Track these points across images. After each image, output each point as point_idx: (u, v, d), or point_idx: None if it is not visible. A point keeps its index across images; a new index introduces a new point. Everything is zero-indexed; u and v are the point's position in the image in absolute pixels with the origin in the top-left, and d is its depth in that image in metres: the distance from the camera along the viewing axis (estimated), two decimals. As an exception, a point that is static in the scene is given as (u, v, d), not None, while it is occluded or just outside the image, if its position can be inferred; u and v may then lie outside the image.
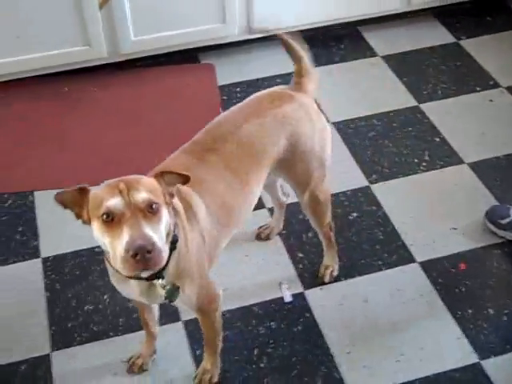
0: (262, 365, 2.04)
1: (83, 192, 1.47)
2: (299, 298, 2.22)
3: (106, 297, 2.22)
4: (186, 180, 1.52)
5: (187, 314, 2.10)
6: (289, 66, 3.09)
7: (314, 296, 2.22)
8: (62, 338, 2.11)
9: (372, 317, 2.16)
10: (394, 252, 2.35)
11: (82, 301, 2.21)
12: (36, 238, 2.40)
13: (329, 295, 2.22)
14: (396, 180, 2.61)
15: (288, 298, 2.21)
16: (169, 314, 2.13)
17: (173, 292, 1.60)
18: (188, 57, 3.18)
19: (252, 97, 1.95)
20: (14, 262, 2.33)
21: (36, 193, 2.57)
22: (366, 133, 2.82)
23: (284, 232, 2.41)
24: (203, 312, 1.82)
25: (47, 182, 2.60)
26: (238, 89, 3.05)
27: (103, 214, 1.41)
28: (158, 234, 1.43)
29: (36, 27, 2.84)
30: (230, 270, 2.28)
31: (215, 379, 1.98)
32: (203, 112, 2.89)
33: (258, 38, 3.19)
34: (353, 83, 3.08)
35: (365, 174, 2.64)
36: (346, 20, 3.27)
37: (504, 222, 2.33)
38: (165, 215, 1.47)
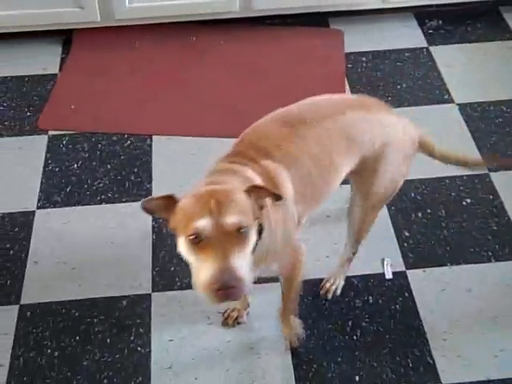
0: (354, 337, 2.02)
1: (171, 201, 1.42)
2: (400, 276, 2.18)
3: (209, 247, 2.25)
4: (278, 198, 1.45)
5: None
6: (419, 41, 3.05)
7: (415, 277, 2.18)
8: (163, 280, 2.17)
9: (473, 307, 2.09)
10: (507, 245, 2.25)
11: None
12: (150, 181, 2.47)
13: (431, 279, 2.17)
14: (518, 171, 2.50)
15: (389, 275, 2.18)
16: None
17: None
18: (318, 20, 3.14)
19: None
20: (127, 201, 2.41)
21: (154, 137, 2.64)
22: (492, 118, 2.70)
23: (392, 208, 2.37)
24: (285, 277, 1.82)
25: (166, 129, 2.66)
26: (364, 58, 2.99)
27: (191, 235, 1.35)
28: (244, 260, 1.36)
29: None
30: (335, 239, 2.26)
31: (295, 343, 1.98)
32: (327, 77, 2.86)
33: (392, 9, 3.11)
34: (486, 65, 2.95)
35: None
36: (487, -1, 3.13)
37: None
38: (253, 236, 1.41)
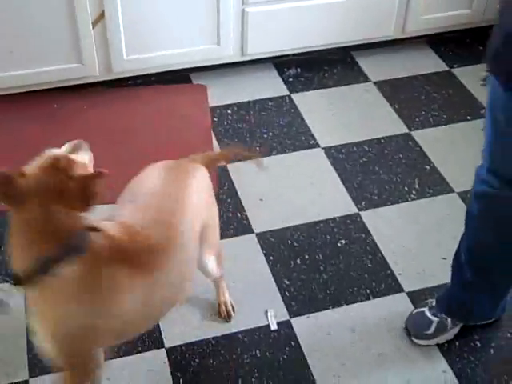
0: (245, 395, 2.00)
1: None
2: (285, 326, 2.19)
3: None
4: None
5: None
6: (281, 89, 3.14)
7: (300, 324, 2.19)
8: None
9: (359, 347, 2.13)
10: (383, 281, 2.32)
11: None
12: None
13: (316, 324, 2.19)
14: (386, 207, 2.59)
15: (274, 326, 2.18)
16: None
17: None
18: (180, 77, 3.16)
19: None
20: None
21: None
22: (356, 159, 2.81)
23: (271, 258, 2.39)
24: None
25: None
26: (229, 110, 3.03)
27: None
28: None
29: (29, 43, 2.82)
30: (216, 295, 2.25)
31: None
32: (194, 133, 2.88)
33: (251, 61, 3.19)
34: (345, 108, 3.07)
35: (354, 201, 2.62)
36: (340, 45, 3.27)
37: (430, 331, 2.10)
38: None
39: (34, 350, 2.05)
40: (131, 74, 3.07)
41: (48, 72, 2.91)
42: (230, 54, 3.10)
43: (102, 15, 2.80)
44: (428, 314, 2.13)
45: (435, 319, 2.11)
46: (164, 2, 2.86)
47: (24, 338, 2.10)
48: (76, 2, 2.73)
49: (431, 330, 2.11)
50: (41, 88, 2.99)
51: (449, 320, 2.11)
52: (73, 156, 1.53)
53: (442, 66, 3.30)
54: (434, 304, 2.14)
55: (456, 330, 2.13)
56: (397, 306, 2.24)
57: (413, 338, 2.14)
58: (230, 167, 2.72)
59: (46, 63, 2.89)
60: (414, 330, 2.14)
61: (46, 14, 2.75)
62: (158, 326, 2.15)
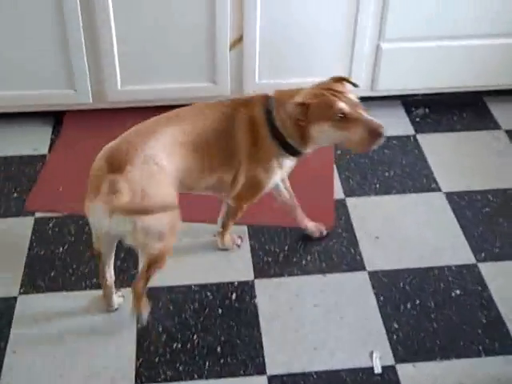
0: None
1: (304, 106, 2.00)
2: (390, 371, 2.14)
3: (195, 337, 2.21)
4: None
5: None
6: (407, 128, 3.09)
7: (405, 371, 2.13)
8: (148, 371, 2.12)
9: (464, 404, 2.05)
10: (497, 339, 2.22)
11: (172, 337, 2.21)
12: (135, 267, 2.44)
13: (421, 373, 2.13)
14: (507, 262, 2.49)
15: (378, 370, 2.14)
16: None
17: None
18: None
19: None
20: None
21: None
22: (479, 207, 2.72)
23: (381, 299, 2.34)
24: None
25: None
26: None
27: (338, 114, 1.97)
28: None
29: (20, 67, 2.89)
30: (322, 329, 2.23)
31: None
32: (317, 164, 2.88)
33: (380, 97, 3.16)
34: (471, 154, 2.99)
35: (473, 251, 2.53)
36: (472, 89, 3.19)
37: None
38: None
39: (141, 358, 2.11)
40: (125, 106, 3.07)
41: (179, 88, 3.01)
42: (360, 89, 3.08)
43: (239, 39, 2.88)
44: None
45: None
46: (302, 31, 2.91)
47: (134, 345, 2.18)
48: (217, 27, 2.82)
49: None
50: (171, 103, 3.07)
51: None
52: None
53: None
54: None
55: None
56: (510, 368, 2.14)
57: None
58: (349, 201, 2.71)
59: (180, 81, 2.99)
60: None
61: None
62: (262, 351, 2.16)
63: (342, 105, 1.97)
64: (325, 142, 2.11)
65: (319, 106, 1.98)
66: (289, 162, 2.21)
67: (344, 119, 1.97)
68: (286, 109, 2.05)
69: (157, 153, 1.96)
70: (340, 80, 2.09)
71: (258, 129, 2.11)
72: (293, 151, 2.15)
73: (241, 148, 2.12)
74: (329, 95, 1.99)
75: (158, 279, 2.21)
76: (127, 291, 2.23)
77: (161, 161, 1.96)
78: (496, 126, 3.14)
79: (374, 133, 1.96)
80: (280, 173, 2.23)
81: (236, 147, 2.12)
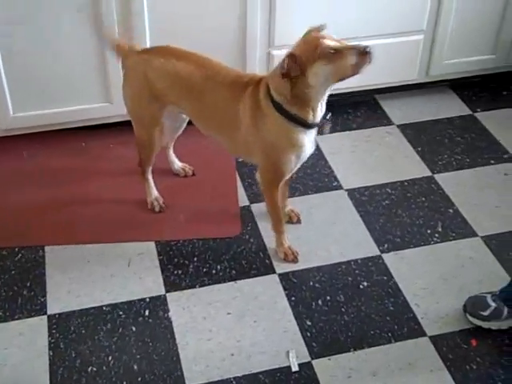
0: None
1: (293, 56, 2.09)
2: (307, 367, 2.18)
3: (110, 358, 2.19)
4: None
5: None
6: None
7: (321, 366, 2.18)
8: (64, 398, 2.08)
9: (380, 391, 2.12)
10: (405, 324, 2.31)
11: (87, 361, 2.18)
12: (44, 295, 2.39)
13: (337, 366, 2.18)
14: (408, 250, 2.59)
15: (295, 367, 2.17)
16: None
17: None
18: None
19: None
20: (20, 318, 2.31)
21: (47, 248, 2.57)
22: (379, 201, 2.82)
23: (293, 299, 2.39)
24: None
25: (59, 237, 2.61)
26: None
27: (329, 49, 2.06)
28: None
29: (59, 83, 2.89)
30: (237, 335, 2.25)
31: (281, 255, 2.55)
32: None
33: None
34: (368, 151, 3.09)
35: (376, 243, 2.62)
36: (364, 88, 3.30)
37: (486, 313, 2.26)
38: None
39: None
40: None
41: (77, 111, 2.98)
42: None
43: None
44: (488, 298, 2.27)
45: (493, 305, 2.25)
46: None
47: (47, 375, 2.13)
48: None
49: (487, 313, 2.25)
50: (69, 126, 3.05)
51: (505, 309, 2.23)
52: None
53: (465, 110, 3.32)
54: (497, 293, 2.27)
55: (511, 322, 2.25)
56: (419, 351, 2.23)
57: (468, 316, 2.29)
58: (253, 207, 2.75)
59: (76, 102, 2.96)
60: (471, 307, 2.29)
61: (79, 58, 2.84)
62: (180, 363, 2.16)
63: (327, 41, 2.07)
64: (324, 84, 2.15)
65: (307, 51, 2.08)
66: (305, 138, 2.28)
67: (333, 53, 2.06)
68: (276, 74, 2.15)
69: None
70: (314, 31, 2.16)
71: (262, 108, 2.25)
72: (301, 122, 2.23)
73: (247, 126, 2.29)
74: (310, 39, 2.11)
75: (69, 303, 2.17)
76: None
77: None
78: (389, 121, 3.26)
79: (363, 53, 2.06)
80: (297, 151, 2.29)
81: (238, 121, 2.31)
